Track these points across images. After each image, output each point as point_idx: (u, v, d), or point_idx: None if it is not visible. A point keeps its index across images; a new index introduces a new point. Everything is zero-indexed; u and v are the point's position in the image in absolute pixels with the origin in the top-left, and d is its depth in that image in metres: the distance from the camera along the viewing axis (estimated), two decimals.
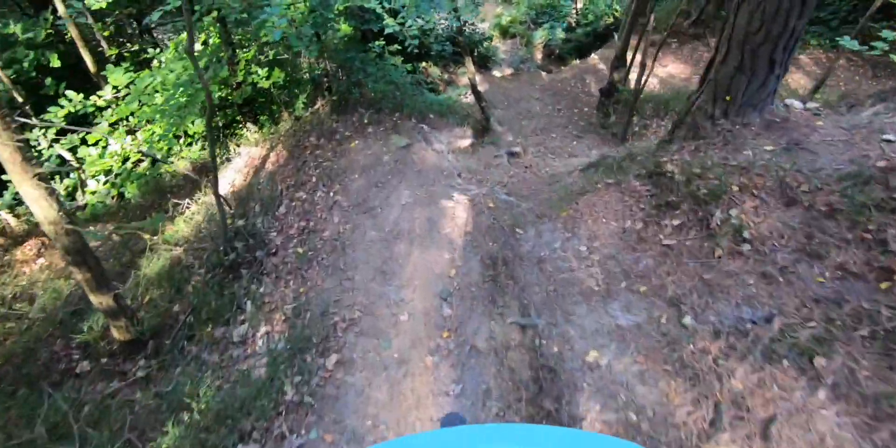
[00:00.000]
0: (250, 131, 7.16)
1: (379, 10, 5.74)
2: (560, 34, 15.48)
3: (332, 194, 5.24)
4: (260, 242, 4.84)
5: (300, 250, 4.67)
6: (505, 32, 18.27)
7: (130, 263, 5.12)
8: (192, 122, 6.67)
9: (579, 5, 13.65)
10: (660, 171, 3.75)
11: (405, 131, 6.26)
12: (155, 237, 5.15)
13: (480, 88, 9.77)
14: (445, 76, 12.13)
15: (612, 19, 12.49)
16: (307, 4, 5.85)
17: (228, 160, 6.70)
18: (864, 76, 9.39)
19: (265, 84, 6.40)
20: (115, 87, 6.17)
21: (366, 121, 6.37)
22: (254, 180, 6.11)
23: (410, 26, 5.65)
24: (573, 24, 14.19)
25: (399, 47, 7.60)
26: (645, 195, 3.78)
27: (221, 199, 4.89)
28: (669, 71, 10.63)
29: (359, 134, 6.17)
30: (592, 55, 12.04)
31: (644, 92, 9.40)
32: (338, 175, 5.47)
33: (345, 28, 6.06)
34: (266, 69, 6.57)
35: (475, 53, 12.38)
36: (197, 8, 5.61)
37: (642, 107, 7.60)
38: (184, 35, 6.98)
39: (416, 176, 5.52)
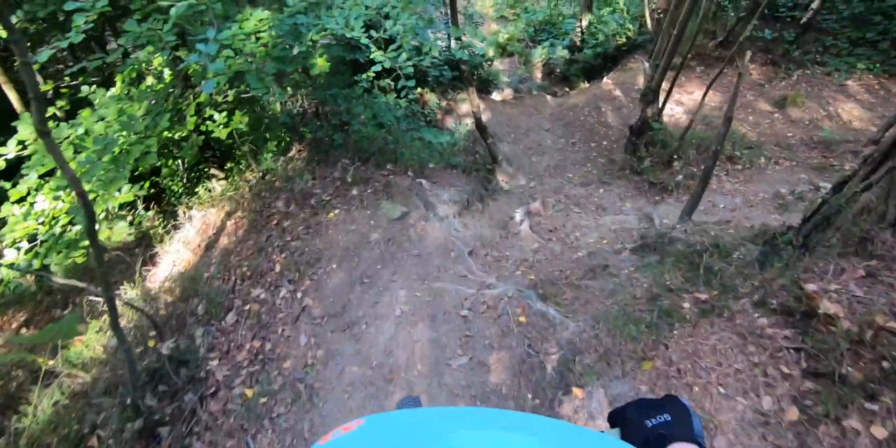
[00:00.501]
0: (216, 179, 5.68)
1: (365, 41, 4.32)
2: (561, 52, 14.16)
3: (299, 295, 3.76)
4: (194, 373, 3.35)
5: (249, 392, 3.18)
6: (502, 50, 16.98)
7: (16, 397, 3.61)
8: (119, 190, 5.17)
9: (584, 23, 12.35)
10: (809, 310, 2.32)
11: (400, 194, 4.80)
12: (53, 360, 3.65)
13: (482, 117, 8.36)
14: (443, 103, 10.71)
15: (623, 40, 11.21)
16: (272, 34, 4.41)
17: (176, 228, 5.20)
18: None
19: (222, 133, 4.93)
20: (20, 143, 4.67)
21: (349, 179, 4.91)
22: (204, 260, 4.62)
23: (406, 60, 4.22)
24: (577, 43, 12.87)
25: (392, 83, 6.18)
26: (784, 348, 2.35)
27: (143, 316, 3.40)
28: (695, 98, 9.25)
29: (340, 198, 4.71)
30: (605, 79, 10.70)
31: (674, 125, 8.02)
32: (310, 264, 4.00)
33: (322, 63, 4.62)
34: (224, 114, 5.10)
35: (475, 76, 11.00)
36: (122, 41, 4.15)
37: (685, 149, 6.24)
38: (142, 64, 5.52)
39: (415, 263, 4.05)
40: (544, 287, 3.94)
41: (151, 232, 5.00)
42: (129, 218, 5.49)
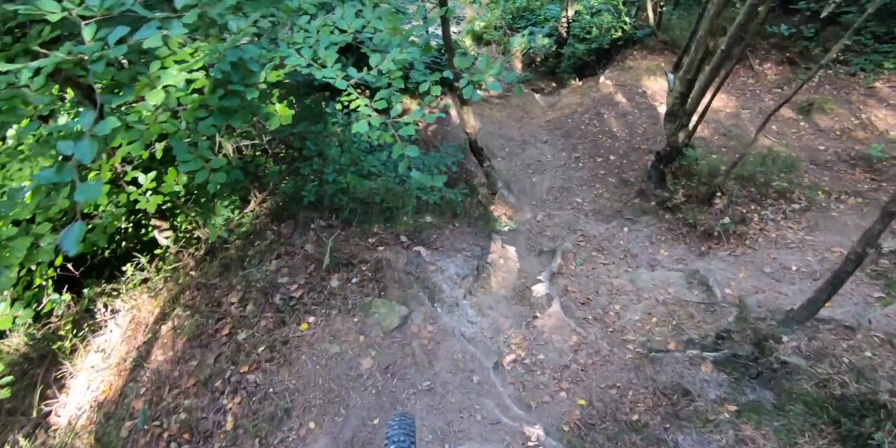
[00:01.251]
0: (152, 254, 4.19)
1: (341, 84, 2.91)
2: (542, 41, 12.73)
3: None
4: None
5: None
6: (479, 39, 15.41)
7: None
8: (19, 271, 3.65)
9: (570, 13, 10.90)
10: None
11: (396, 282, 3.45)
12: None
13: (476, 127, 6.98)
14: (427, 111, 9.23)
15: (620, 33, 9.85)
16: (210, 78, 2.94)
17: (94, 331, 3.75)
18: None
19: (150, 204, 3.44)
20: None
21: (327, 259, 3.54)
22: (129, 386, 3.23)
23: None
24: (564, 35, 11.45)
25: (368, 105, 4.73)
26: None
27: None
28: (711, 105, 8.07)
29: (315, 293, 3.36)
30: (602, 78, 9.37)
31: (699, 143, 6.80)
32: (276, 420, 2.68)
33: (283, 111, 3.18)
34: (153, 174, 3.57)
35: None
36: None
37: (726, 182, 5.04)
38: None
39: (427, 406, 2.78)
40: (606, 431, 2.74)
41: (57, 345, 3.53)
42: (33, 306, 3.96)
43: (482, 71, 3.20)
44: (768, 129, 7.50)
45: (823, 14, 7.98)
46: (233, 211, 4.40)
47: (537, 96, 10.89)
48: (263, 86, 3.07)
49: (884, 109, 7.22)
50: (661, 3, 9.07)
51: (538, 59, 13.28)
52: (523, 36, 13.54)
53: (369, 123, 2.84)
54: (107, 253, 4.49)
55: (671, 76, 5.92)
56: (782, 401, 2.56)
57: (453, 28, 15.53)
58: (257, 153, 4.64)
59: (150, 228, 4.38)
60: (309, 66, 3.07)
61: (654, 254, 5.14)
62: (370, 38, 3.55)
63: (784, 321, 3.08)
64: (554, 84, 11.91)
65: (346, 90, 3.00)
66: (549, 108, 10.14)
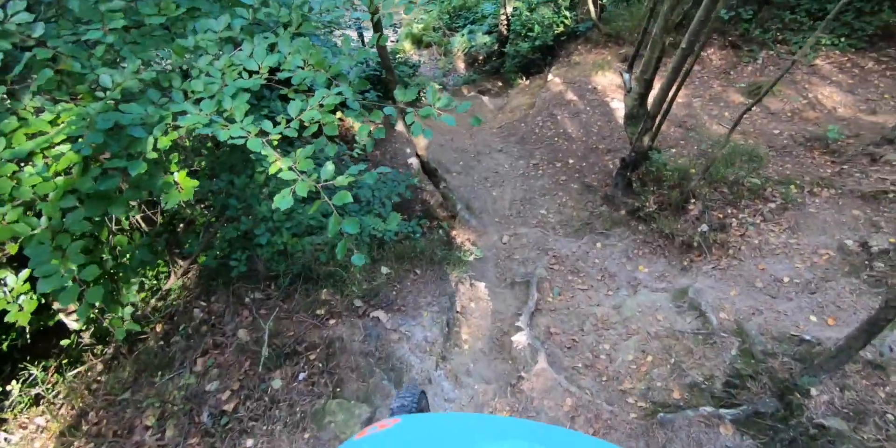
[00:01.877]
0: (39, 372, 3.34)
1: (256, 145, 2.22)
2: (482, 39, 12.18)
3: None
4: None
5: None
6: (419, 42, 14.72)
7: None
8: None
9: (509, 9, 10.36)
10: None
11: (354, 372, 2.77)
12: None
13: (427, 144, 6.34)
14: (371, 128, 8.49)
15: (562, 28, 9.36)
16: (75, 150, 2.18)
17: None
18: None
19: (22, 316, 2.61)
20: None
21: (265, 353, 2.85)
22: None
23: (338, 176, 2.19)
24: (506, 34, 10.91)
25: (293, 168, 4.03)
26: None
27: None
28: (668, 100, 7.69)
29: (253, 402, 2.65)
30: (550, 76, 8.86)
31: (664, 143, 6.37)
32: None
33: (184, 182, 2.44)
34: (25, 274, 2.74)
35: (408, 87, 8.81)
36: None
37: (701, 188, 4.61)
38: None
39: None
40: None
41: None
42: None
43: (430, 102, 2.56)
44: (721, 115, 7.20)
45: None
46: (148, 291, 3.61)
47: (485, 99, 10.34)
48: (153, 155, 2.34)
49: (828, 87, 7.02)
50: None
51: (481, 58, 12.73)
52: (463, 35, 12.96)
53: (294, 193, 2.16)
54: (4, 346, 3.63)
55: (627, 76, 5.45)
56: None
57: (391, 36, 14.71)
58: (174, 217, 3.85)
59: (54, 310, 3.55)
60: (211, 123, 2.36)
61: (632, 271, 4.66)
62: (289, 78, 2.85)
63: (810, 369, 2.62)
64: (500, 84, 11.38)
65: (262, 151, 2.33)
66: (498, 111, 9.59)
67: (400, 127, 7.44)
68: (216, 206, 3.67)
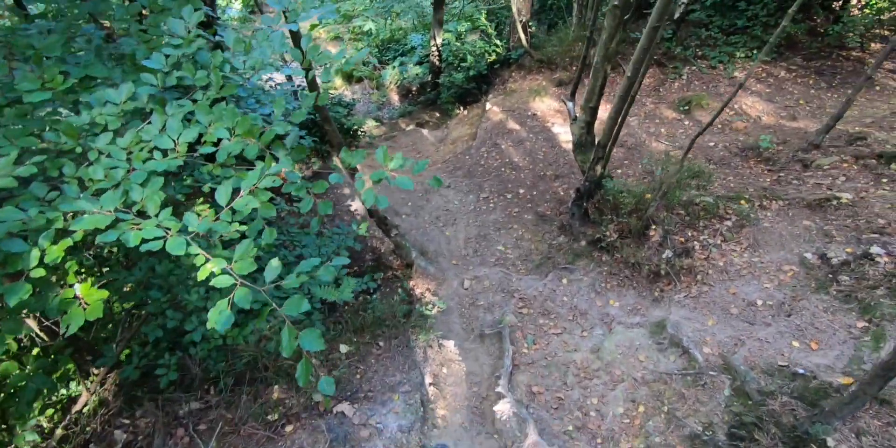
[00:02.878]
0: None
1: (178, 247, 1.85)
2: (414, 70, 12.22)
3: None
4: None
5: None
6: (349, 77, 14.58)
7: None
8: None
9: (439, 41, 10.43)
10: None
11: None
12: None
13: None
14: (308, 173, 8.09)
15: (494, 56, 9.47)
16: None
17: None
18: (818, 87, 7.47)
19: None
20: None
21: None
22: None
23: (281, 279, 1.85)
24: (438, 64, 10.96)
25: (229, 271, 3.61)
26: None
27: None
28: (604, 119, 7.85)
29: None
30: (489, 105, 8.87)
31: (614, 166, 6.41)
32: None
33: (90, 294, 2.01)
34: None
35: (345, 129, 8.50)
36: None
37: (659, 212, 4.57)
38: None
39: None
40: None
41: None
42: None
43: (382, 163, 2.28)
44: (658, 132, 7.42)
45: (676, 15, 8.16)
46: (56, 412, 3.02)
47: (425, 131, 10.23)
48: (40, 273, 1.93)
49: (750, 97, 7.43)
50: (529, 23, 8.83)
51: (414, 90, 12.72)
52: (394, 68, 12.94)
53: (230, 303, 1.78)
54: None
55: (570, 104, 5.45)
56: None
57: (317, 70, 14.49)
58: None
59: None
60: (117, 223, 1.99)
61: (603, 306, 4.52)
62: (213, 154, 2.49)
63: (821, 416, 2.48)
64: (438, 115, 11.33)
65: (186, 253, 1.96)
66: (440, 143, 9.49)
67: (338, 161, 7.11)
68: (135, 300, 3.18)
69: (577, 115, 5.19)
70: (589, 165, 4.92)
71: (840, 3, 8.14)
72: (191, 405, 2.83)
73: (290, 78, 11.09)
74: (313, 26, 15.74)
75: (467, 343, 4.33)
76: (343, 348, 3.40)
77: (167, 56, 2.39)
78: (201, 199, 3.54)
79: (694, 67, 8.01)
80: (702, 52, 8.08)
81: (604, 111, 6.49)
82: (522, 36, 8.46)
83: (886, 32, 7.89)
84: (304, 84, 7.19)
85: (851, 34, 7.69)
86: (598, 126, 5.29)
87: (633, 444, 3.06)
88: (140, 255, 3.28)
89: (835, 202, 4.48)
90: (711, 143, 6.79)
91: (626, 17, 4.22)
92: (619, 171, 6.64)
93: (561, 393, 3.54)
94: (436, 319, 4.59)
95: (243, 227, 2.12)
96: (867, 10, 8.16)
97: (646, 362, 3.63)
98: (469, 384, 3.70)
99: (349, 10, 15.71)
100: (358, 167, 4.49)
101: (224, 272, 1.90)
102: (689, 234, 4.58)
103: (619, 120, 4.66)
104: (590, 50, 5.35)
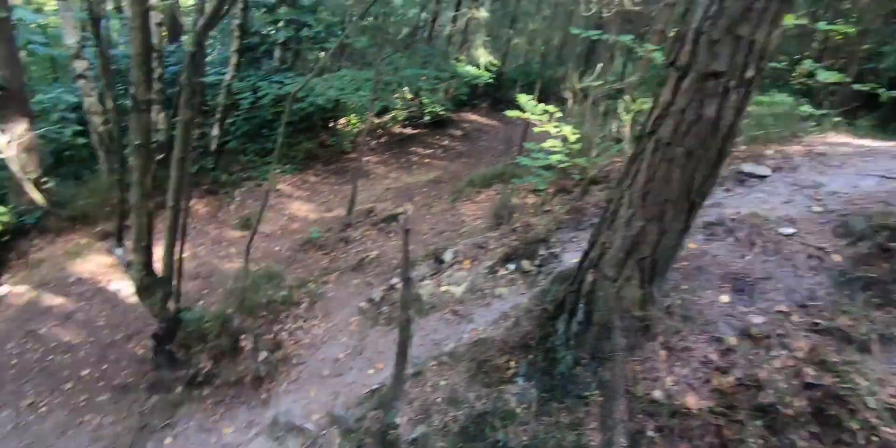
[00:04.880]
0: None
1: None
2: None
3: None
4: None
5: None
6: None
7: None
8: None
9: None
10: None
11: None
12: None
13: None
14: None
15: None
16: None
17: None
18: (338, 183, 9.59)
19: None
20: None
21: None
22: None
23: None
24: None
25: None
26: None
27: None
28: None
29: None
30: (6, 289, 6.96)
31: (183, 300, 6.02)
32: None
33: None
34: None
35: None
36: None
37: (244, 321, 4.47)
38: None
39: None
40: None
41: None
42: None
43: None
44: (229, 254, 7.74)
45: (212, 147, 9.15)
46: None
47: None
48: None
49: (295, 202, 8.84)
50: (42, 180, 7.77)
51: None
52: None
53: None
54: None
55: (119, 251, 4.97)
56: None
57: None
58: None
59: None
60: None
61: (218, 441, 4.04)
62: None
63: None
64: None
65: None
66: None
67: None
68: None
69: (130, 258, 4.83)
70: (160, 306, 4.54)
71: (333, 124, 11.14)
72: None
73: None
74: None
75: None
76: None
77: None
78: None
79: (244, 189, 9.01)
80: (247, 174, 9.24)
81: (161, 248, 6.25)
82: (36, 194, 7.36)
83: (368, 138, 11.24)
84: None
85: (345, 142, 10.55)
86: (159, 264, 5.02)
87: None
88: None
89: (368, 259, 5.71)
90: (277, 248, 7.58)
91: (156, 156, 4.36)
92: (202, 302, 6.44)
93: None
94: None
95: None
96: (350, 127, 11.42)
97: None
98: None
99: None
100: None
101: None
102: (276, 328, 4.81)
103: (178, 249, 4.60)
104: (126, 193, 5.20)
